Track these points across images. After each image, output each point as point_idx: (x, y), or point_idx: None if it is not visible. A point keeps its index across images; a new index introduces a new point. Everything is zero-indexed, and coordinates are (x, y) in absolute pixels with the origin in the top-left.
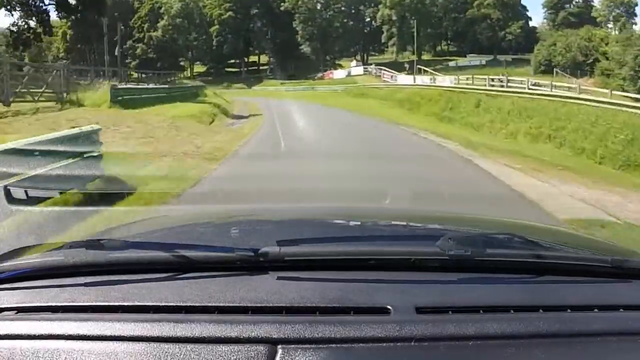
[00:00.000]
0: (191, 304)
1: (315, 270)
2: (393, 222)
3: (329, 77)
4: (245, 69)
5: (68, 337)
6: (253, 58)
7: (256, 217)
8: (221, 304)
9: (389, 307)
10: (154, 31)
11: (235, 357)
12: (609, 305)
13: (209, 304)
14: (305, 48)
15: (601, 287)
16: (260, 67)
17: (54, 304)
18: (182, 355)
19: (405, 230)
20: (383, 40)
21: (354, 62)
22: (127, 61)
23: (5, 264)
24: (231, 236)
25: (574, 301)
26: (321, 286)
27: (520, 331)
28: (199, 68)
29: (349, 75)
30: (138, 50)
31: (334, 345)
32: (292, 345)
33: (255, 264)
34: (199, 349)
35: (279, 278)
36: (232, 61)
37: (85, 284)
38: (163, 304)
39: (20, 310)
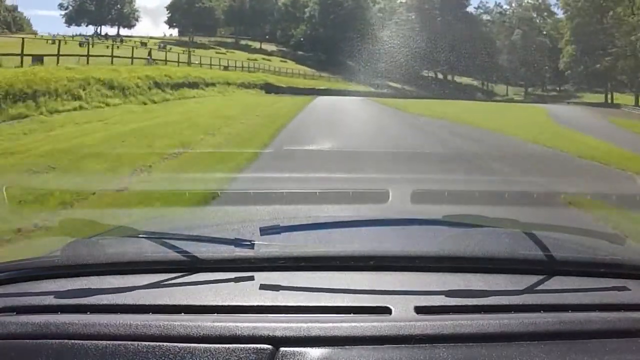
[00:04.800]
0: (191, 304)
1: (315, 270)
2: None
3: None
4: None
5: (68, 337)
6: None
7: (257, 218)
8: (221, 304)
9: (389, 307)
10: None
11: (235, 357)
12: (609, 306)
13: (209, 304)
14: None
15: (602, 287)
16: None
17: (54, 304)
18: (182, 355)
19: (405, 231)
20: None
21: None
22: None
23: (5, 264)
24: (232, 237)
25: (575, 301)
26: (322, 287)
27: (520, 331)
28: None
29: None
30: None
31: (334, 345)
32: (292, 345)
33: (255, 265)
34: (199, 349)
35: (279, 279)
36: None
37: (85, 285)
38: (163, 304)
39: (20, 310)
